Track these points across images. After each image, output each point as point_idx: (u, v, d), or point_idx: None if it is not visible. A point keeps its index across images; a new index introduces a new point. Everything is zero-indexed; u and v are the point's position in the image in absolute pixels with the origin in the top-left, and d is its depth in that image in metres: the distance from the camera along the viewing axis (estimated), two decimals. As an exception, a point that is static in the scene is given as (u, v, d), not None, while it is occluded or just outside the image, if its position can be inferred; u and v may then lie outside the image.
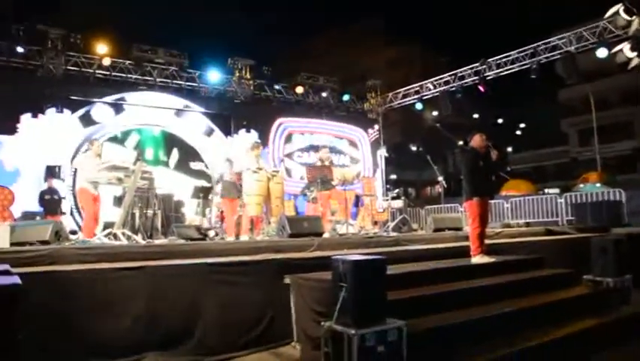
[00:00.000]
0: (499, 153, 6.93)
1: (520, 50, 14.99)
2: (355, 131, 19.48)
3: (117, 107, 14.72)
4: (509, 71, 15.38)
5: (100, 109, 14.42)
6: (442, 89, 17.10)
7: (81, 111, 14.16)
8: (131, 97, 15.02)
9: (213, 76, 16.00)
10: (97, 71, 14.38)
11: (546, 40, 14.44)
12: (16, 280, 3.28)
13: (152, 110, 15.29)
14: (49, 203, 12.07)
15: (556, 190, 18.85)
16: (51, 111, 13.64)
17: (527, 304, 5.40)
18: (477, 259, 6.55)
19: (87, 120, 14.23)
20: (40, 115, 13.49)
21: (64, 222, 8.59)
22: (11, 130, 13.07)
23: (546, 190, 21.01)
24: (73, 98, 13.96)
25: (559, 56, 14.20)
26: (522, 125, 38.91)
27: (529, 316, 5.16)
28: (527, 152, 39.24)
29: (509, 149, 38.93)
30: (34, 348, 3.81)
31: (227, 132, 16.45)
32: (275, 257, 6.05)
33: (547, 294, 5.82)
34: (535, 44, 14.66)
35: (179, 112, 15.82)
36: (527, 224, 13.58)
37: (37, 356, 3.93)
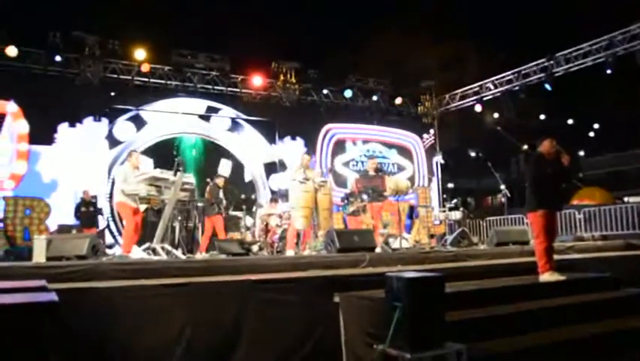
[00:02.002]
0: (571, 157, 6.69)
1: (594, 41, 14.54)
2: (409, 137, 19.33)
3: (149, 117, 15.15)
4: (581, 66, 14.94)
5: (131, 122, 14.87)
6: (503, 88, 16.80)
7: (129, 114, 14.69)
8: (168, 104, 15.42)
9: (256, 80, 16.21)
10: (135, 78, 14.83)
11: (624, 30, 13.93)
12: (53, 296, 3.39)
13: (196, 117, 15.66)
14: (86, 216, 12.49)
15: (638, 199, 18.11)
16: (88, 120, 14.15)
17: (602, 329, 5.19)
18: (546, 276, 6.31)
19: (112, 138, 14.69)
20: (77, 124, 14.02)
21: (100, 236, 8.84)
22: (49, 140, 13.66)
23: (625, 199, 20.21)
24: (112, 106, 14.44)
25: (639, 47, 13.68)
26: (596, 127, 37.66)
27: (602, 343, 4.95)
28: (602, 156, 37.91)
29: (581, 153, 37.72)
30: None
31: (271, 140, 16.62)
32: (323, 274, 6.04)
33: (625, 319, 5.57)
34: (611, 35, 14.18)
35: (224, 120, 16.12)
36: (604, 237, 13.06)
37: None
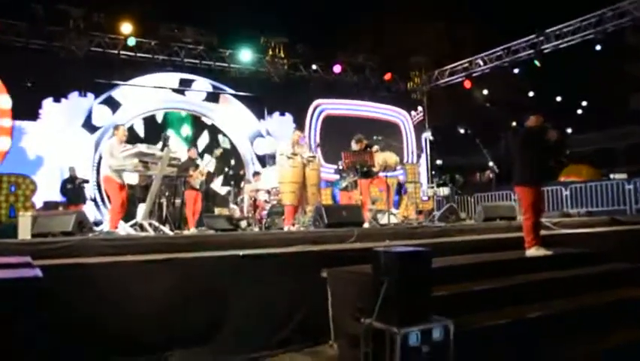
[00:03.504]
0: (560, 134, 6.71)
1: (583, 18, 14.47)
2: (398, 113, 19.29)
3: (139, 91, 14.96)
4: (570, 43, 14.90)
5: (119, 94, 14.66)
6: (493, 64, 16.75)
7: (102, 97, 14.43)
8: (155, 78, 15.22)
9: (245, 55, 16.04)
10: (121, 52, 14.62)
11: (614, 6, 13.85)
12: (38, 272, 3.36)
13: (190, 93, 15.53)
14: (72, 192, 12.40)
15: (624, 175, 18.24)
16: (74, 95, 13.95)
17: (588, 302, 5.24)
18: (532, 251, 6.37)
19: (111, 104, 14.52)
20: (62, 99, 13.82)
21: (87, 212, 8.78)
22: (33, 116, 13.45)
23: (612, 175, 20.35)
24: (97, 81, 14.22)
25: (630, 23, 13.63)
26: (584, 104, 37.71)
27: (588, 316, 5.01)
28: (590, 133, 38.05)
29: (569, 130, 37.84)
30: (56, 343, 3.89)
31: (260, 115, 16.51)
32: (311, 249, 6.05)
33: (610, 292, 5.63)
34: (600, 11, 14.10)
35: (217, 98, 15.97)
36: (590, 213, 13.19)
37: (60, 351, 4.02)
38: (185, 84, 15.63)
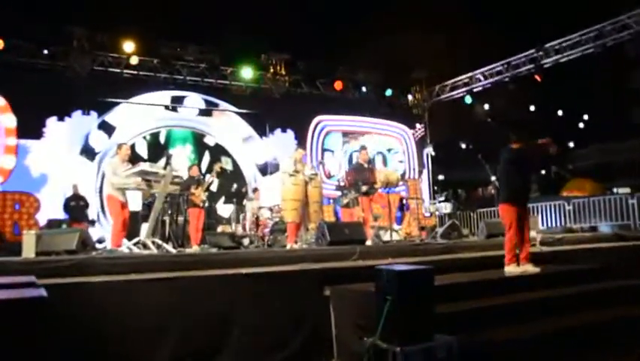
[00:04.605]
0: (556, 146, 6.85)
1: (583, 32, 14.54)
2: (399, 128, 19.36)
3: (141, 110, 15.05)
4: (570, 57, 14.98)
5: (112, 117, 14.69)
6: (493, 79, 16.84)
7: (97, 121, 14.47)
8: (153, 97, 15.31)
9: (246, 73, 16.16)
10: (124, 71, 14.74)
11: (614, 20, 13.91)
12: (42, 292, 3.39)
13: (183, 109, 15.61)
14: (75, 210, 12.45)
15: (627, 190, 18.23)
16: (77, 114, 14.06)
17: (591, 320, 5.24)
18: (510, 268, 6.45)
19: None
20: (66, 118, 13.92)
21: (90, 230, 8.81)
22: (37, 134, 13.54)
23: (615, 190, 20.33)
24: (100, 100, 14.32)
25: (629, 37, 13.71)
26: (585, 117, 37.73)
27: (591, 333, 5.00)
28: (592, 147, 38.03)
29: (571, 144, 37.81)
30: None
31: (262, 132, 16.59)
32: (314, 267, 6.06)
33: (613, 309, 5.63)
34: (600, 25, 14.16)
35: (210, 112, 16.07)
36: (593, 229, 13.17)
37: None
38: (179, 101, 15.69)
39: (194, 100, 15.90)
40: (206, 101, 16.00)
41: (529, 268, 6.44)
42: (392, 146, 19.08)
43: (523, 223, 6.65)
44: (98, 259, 5.94)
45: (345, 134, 18.30)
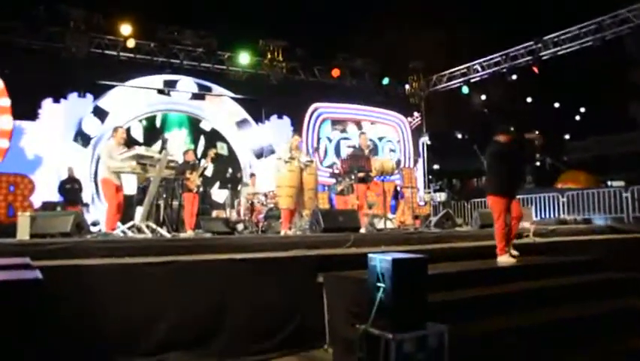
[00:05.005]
0: (542, 139, 7.01)
1: (582, 25, 14.54)
2: (395, 117, 19.35)
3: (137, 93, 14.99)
4: (568, 50, 14.98)
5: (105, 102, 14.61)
6: (491, 70, 16.84)
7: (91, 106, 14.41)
8: (147, 81, 15.25)
9: (243, 58, 16.10)
10: (121, 54, 14.65)
11: (613, 13, 13.91)
12: (37, 274, 3.40)
13: (182, 94, 15.56)
14: (70, 192, 12.43)
15: (622, 183, 18.30)
16: (73, 96, 13.99)
17: (583, 311, 5.29)
18: (504, 258, 6.53)
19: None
20: (62, 100, 13.85)
21: (84, 213, 8.82)
22: (32, 116, 13.47)
23: (610, 183, 20.42)
24: (96, 82, 14.25)
25: (628, 31, 13.71)
26: (582, 110, 37.75)
27: (583, 324, 5.06)
28: (588, 139, 38.09)
29: (567, 136, 37.86)
30: (55, 345, 3.93)
31: (258, 119, 16.56)
32: (307, 253, 6.09)
33: (605, 301, 5.68)
34: (599, 18, 14.17)
35: (203, 96, 16.02)
36: (586, 221, 13.24)
37: (59, 353, 4.06)
38: (172, 85, 15.61)
39: (187, 84, 15.83)
40: (200, 85, 15.94)
41: (513, 259, 6.57)
42: (385, 134, 19.06)
43: (513, 214, 6.74)
44: (92, 242, 5.96)
45: (334, 122, 18.28)
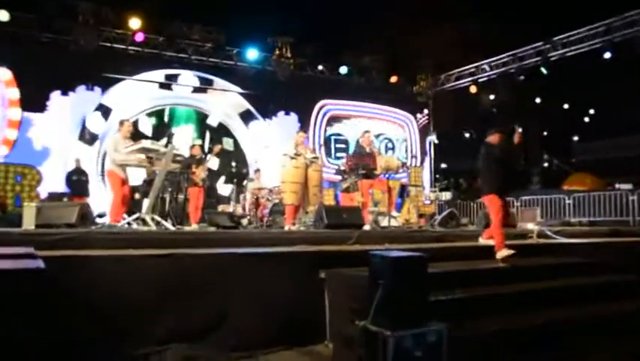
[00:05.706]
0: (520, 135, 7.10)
1: (591, 27, 14.48)
2: (403, 115, 19.32)
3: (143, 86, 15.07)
4: (577, 51, 14.91)
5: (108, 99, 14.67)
6: (499, 70, 16.79)
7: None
8: (151, 75, 15.32)
9: (251, 54, 16.12)
10: (129, 48, 14.71)
11: (623, 15, 13.85)
12: (40, 263, 3.44)
13: (185, 88, 15.60)
14: (77, 184, 12.52)
15: (629, 186, 18.19)
16: (81, 89, 14.06)
17: (584, 313, 5.29)
18: (503, 252, 6.60)
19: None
20: (70, 93, 13.93)
21: (90, 205, 8.85)
22: (41, 108, 13.58)
23: (617, 185, 20.29)
24: (104, 75, 14.32)
25: (638, 34, 13.64)
26: (591, 112, 37.51)
27: (583, 326, 5.05)
28: (596, 141, 37.86)
29: (575, 138, 37.64)
30: (57, 334, 3.96)
31: (265, 114, 16.58)
32: (310, 249, 6.10)
33: (606, 303, 5.68)
34: (609, 20, 14.11)
35: (215, 92, 16.06)
36: (592, 223, 13.19)
37: (61, 343, 4.09)
38: (175, 79, 15.65)
39: (188, 77, 15.86)
40: (201, 78, 15.97)
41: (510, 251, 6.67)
42: (384, 132, 18.99)
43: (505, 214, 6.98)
44: (97, 233, 5.99)
45: (331, 118, 18.28)
